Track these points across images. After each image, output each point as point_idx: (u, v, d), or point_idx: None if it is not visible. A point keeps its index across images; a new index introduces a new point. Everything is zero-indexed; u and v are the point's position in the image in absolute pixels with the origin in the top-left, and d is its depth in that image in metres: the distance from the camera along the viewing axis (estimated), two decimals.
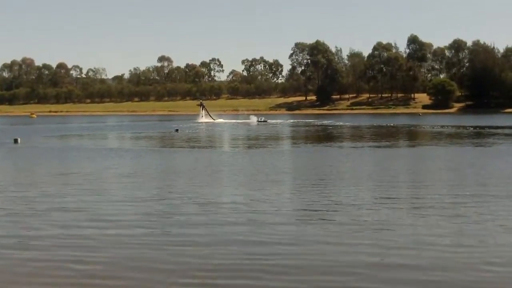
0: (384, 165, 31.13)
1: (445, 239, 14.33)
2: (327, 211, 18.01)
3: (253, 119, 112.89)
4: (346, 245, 13.90)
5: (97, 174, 28.39)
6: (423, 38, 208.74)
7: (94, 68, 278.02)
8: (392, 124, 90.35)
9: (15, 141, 54.68)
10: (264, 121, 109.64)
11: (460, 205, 18.61)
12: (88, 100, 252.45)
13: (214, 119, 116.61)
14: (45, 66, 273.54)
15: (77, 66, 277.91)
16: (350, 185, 23.55)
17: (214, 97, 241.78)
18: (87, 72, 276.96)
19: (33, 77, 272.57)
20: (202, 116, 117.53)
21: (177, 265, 12.55)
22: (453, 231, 15.19)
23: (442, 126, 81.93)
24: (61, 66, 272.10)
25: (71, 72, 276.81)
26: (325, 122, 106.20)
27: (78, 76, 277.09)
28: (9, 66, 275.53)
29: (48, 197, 21.31)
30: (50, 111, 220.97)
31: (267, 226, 15.88)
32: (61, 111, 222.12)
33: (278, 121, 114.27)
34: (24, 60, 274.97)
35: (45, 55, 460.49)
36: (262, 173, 27.60)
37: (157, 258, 13.08)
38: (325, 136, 64.76)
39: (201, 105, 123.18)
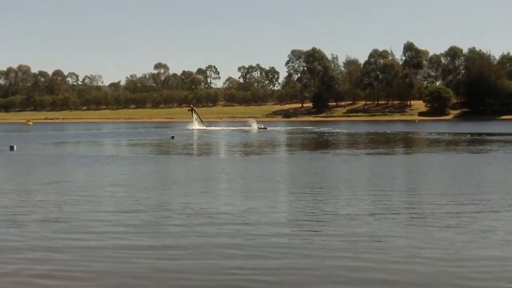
0: (380, 173, 30.90)
1: (440, 252, 13.81)
2: (320, 221, 17.34)
3: (254, 126, 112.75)
4: (339, 258, 13.25)
5: (89, 182, 27.97)
6: (419, 45, 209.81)
7: (91, 75, 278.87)
8: (389, 131, 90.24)
9: (11, 148, 54.45)
10: (264, 128, 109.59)
11: (457, 215, 18.27)
12: (85, 107, 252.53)
13: (205, 126, 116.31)
14: (41, 73, 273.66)
15: (73, 73, 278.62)
16: (346, 194, 23.07)
17: (211, 104, 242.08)
18: (84, 79, 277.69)
19: (29, 84, 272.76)
20: (195, 121, 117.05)
21: (155, 281, 11.98)
22: (449, 243, 14.65)
23: (439, 133, 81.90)
24: (57, 73, 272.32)
25: (67, 79, 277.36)
26: (323, 129, 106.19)
27: (74, 83, 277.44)
28: (5, 73, 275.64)
29: (32, 206, 20.80)
30: (46, 118, 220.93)
31: (257, 238, 15.26)
32: (57, 118, 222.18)
33: (277, 128, 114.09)
34: (20, 67, 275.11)
35: (41, 62, 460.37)
36: (257, 181, 27.24)
37: (136, 272, 12.46)
38: (322, 143, 64.56)
39: (191, 110, 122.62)
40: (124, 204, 21.23)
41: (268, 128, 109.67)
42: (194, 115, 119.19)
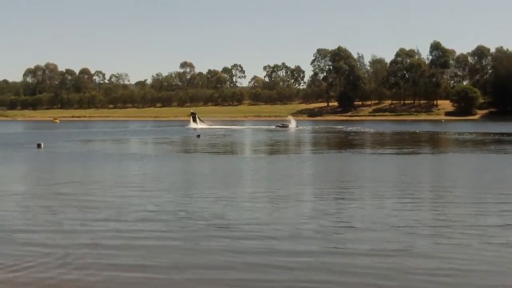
0: (411, 173, 30.73)
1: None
2: (346, 229, 16.88)
3: (293, 124, 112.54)
4: (358, 275, 12.07)
5: (110, 181, 28.11)
6: (446, 44, 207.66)
7: (117, 74, 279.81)
8: (417, 131, 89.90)
9: (38, 145, 54.88)
10: (285, 126, 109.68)
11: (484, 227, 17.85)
12: (111, 106, 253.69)
13: (208, 125, 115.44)
14: (68, 72, 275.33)
15: (100, 72, 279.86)
16: (377, 198, 22.40)
17: (236, 103, 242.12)
18: (110, 78, 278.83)
19: (57, 82, 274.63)
20: (197, 123, 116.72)
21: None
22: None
23: (466, 133, 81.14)
24: (84, 71, 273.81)
25: (94, 77, 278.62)
26: (351, 128, 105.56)
27: (101, 82, 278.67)
28: (33, 71, 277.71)
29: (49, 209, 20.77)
30: (73, 116, 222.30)
31: (281, 246, 14.35)
32: (84, 116, 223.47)
33: (307, 127, 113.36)
34: (47, 65, 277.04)
35: (68, 61, 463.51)
36: (284, 182, 27.25)
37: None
38: (354, 142, 63.96)
39: (192, 114, 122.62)
40: (148, 204, 21.05)
41: (291, 127, 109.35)
42: (197, 120, 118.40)
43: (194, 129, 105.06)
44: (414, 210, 19.17)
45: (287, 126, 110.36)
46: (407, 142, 62.55)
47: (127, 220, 17.51)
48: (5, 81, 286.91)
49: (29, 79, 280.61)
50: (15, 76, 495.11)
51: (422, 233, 15.65)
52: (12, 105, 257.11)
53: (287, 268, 12.38)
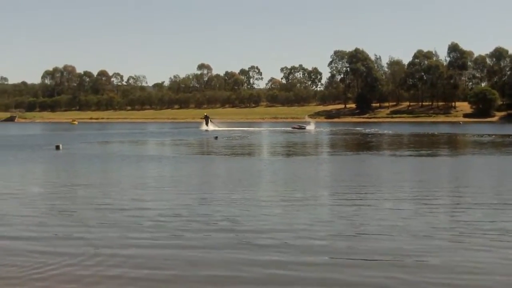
0: (431, 175, 30.52)
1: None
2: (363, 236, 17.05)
3: (311, 125, 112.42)
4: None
5: (128, 183, 28.20)
6: (464, 46, 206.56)
7: (135, 76, 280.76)
8: (435, 133, 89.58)
9: (57, 147, 55.11)
10: (302, 128, 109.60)
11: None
12: (129, 107, 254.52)
13: (219, 127, 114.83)
14: (87, 74, 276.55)
15: (118, 74, 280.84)
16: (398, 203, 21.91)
17: (253, 105, 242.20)
18: (128, 80, 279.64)
19: (75, 84, 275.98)
20: (210, 126, 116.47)
21: None
22: None
23: (483, 135, 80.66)
24: (102, 73, 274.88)
25: (112, 79, 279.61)
26: (371, 130, 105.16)
27: (119, 84, 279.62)
28: (51, 73, 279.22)
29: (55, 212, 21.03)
30: (91, 118, 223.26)
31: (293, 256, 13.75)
32: (102, 118, 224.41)
33: (326, 129, 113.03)
34: (66, 67, 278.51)
35: (87, 63, 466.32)
36: (302, 184, 27.15)
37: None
38: (374, 144, 63.72)
39: (205, 117, 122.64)
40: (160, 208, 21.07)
41: (309, 128, 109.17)
42: (210, 123, 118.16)
43: (206, 130, 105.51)
44: (433, 215, 18.44)
45: (304, 128, 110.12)
46: (426, 144, 62.20)
47: (148, 220, 17.54)
48: (23, 83, 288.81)
49: (47, 81, 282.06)
50: (34, 78, 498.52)
51: (441, 240, 14.83)
52: (30, 107, 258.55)
53: (298, 278, 11.90)
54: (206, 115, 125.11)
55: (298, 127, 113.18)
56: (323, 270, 12.39)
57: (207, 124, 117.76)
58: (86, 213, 19.16)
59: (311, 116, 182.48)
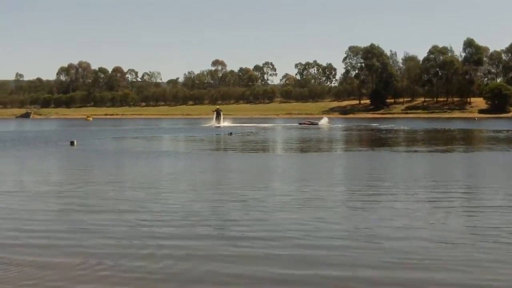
0: (448, 172, 30.24)
1: None
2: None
3: (323, 120, 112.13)
4: None
5: (142, 180, 28.11)
6: (479, 41, 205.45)
7: (149, 72, 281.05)
8: (451, 128, 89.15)
9: (71, 143, 55.18)
10: (314, 124, 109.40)
11: None
12: (143, 103, 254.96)
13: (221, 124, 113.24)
14: (101, 70, 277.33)
15: (132, 70, 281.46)
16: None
17: (267, 101, 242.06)
18: (142, 76, 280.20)
19: (90, 81, 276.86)
20: (219, 121, 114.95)
21: None
22: None
23: (500, 131, 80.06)
24: (116, 70, 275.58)
25: (126, 75, 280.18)
26: (386, 126, 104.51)
27: (133, 80, 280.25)
28: (66, 70, 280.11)
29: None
30: (106, 114, 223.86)
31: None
32: (116, 114, 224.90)
33: (340, 125, 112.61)
34: (80, 64, 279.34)
35: (101, 59, 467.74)
36: (316, 181, 26.96)
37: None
38: (391, 140, 63.20)
39: (217, 111, 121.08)
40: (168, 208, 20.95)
41: (322, 124, 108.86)
42: (220, 117, 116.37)
43: (217, 127, 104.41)
44: (449, 216, 17.47)
45: (316, 124, 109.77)
46: (442, 140, 61.83)
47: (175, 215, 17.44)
48: (39, 80, 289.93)
49: (62, 78, 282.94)
50: (49, 74, 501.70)
51: (457, 244, 13.94)
52: (46, 103, 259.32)
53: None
54: (218, 109, 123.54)
55: (309, 122, 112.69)
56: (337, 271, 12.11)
57: (217, 118, 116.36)
58: (100, 208, 19.11)
59: (325, 112, 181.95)
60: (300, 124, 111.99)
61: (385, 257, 12.67)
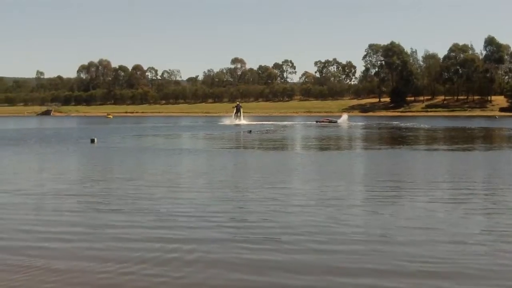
0: (471, 172, 29.99)
1: None
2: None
3: (343, 118, 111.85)
4: None
5: (164, 177, 28.16)
6: (501, 39, 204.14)
7: (169, 70, 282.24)
8: (472, 127, 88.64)
9: (92, 141, 55.37)
10: (333, 122, 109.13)
11: None
12: (163, 101, 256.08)
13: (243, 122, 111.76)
14: (121, 68, 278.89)
15: (152, 68, 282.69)
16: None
17: (287, 99, 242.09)
18: (162, 74, 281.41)
19: (110, 79, 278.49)
20: (238, 118, 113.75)
21: None
22: None
23: None
24: (137, 68, 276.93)
25: (146, 73, 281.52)
26: (407, 124, 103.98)
27: (153, 78, 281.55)
28: (87, 68, 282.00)
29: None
30: (126, 112, 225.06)
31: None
32: (136, 112, 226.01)
33: (361, 122, 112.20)
34: (101, 61, 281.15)
35: (121, 57, 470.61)
36: (334, 180, 26.85)
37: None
38: (413, 138, 62.74)
39: (237, 106, 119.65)
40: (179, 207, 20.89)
41: (341, 121, 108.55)
42: (238, 113, 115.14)
43: (236, 125, 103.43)
44: (470, 219, 16.86)
45: (335, 122, 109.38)
46: (463, 138, 61.39)
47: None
48: (59, 77, 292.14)
49: (83, 75, 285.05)
50: (69, 72, 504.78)
51: (477, 246, 13.47)
52: (66, 101, 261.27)
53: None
54: (238, 105, 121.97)
55: (327, 120, 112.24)
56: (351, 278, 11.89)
57: (237, 114, 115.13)
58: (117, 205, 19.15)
59: (345, 110, 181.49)
60: (317, 122, 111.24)
61: (408, 265, 12.14)
